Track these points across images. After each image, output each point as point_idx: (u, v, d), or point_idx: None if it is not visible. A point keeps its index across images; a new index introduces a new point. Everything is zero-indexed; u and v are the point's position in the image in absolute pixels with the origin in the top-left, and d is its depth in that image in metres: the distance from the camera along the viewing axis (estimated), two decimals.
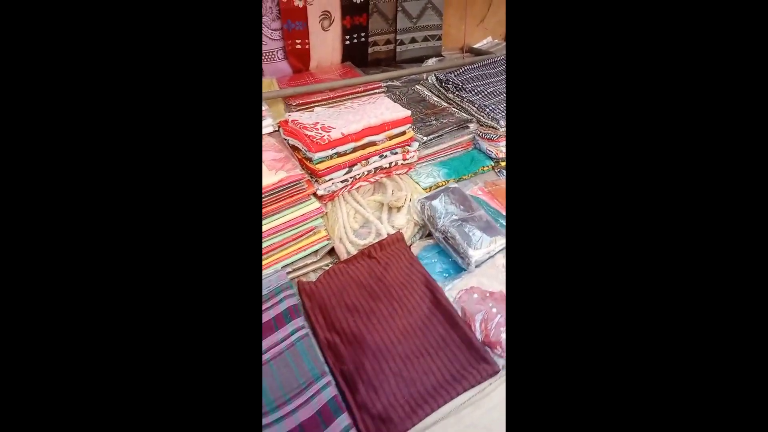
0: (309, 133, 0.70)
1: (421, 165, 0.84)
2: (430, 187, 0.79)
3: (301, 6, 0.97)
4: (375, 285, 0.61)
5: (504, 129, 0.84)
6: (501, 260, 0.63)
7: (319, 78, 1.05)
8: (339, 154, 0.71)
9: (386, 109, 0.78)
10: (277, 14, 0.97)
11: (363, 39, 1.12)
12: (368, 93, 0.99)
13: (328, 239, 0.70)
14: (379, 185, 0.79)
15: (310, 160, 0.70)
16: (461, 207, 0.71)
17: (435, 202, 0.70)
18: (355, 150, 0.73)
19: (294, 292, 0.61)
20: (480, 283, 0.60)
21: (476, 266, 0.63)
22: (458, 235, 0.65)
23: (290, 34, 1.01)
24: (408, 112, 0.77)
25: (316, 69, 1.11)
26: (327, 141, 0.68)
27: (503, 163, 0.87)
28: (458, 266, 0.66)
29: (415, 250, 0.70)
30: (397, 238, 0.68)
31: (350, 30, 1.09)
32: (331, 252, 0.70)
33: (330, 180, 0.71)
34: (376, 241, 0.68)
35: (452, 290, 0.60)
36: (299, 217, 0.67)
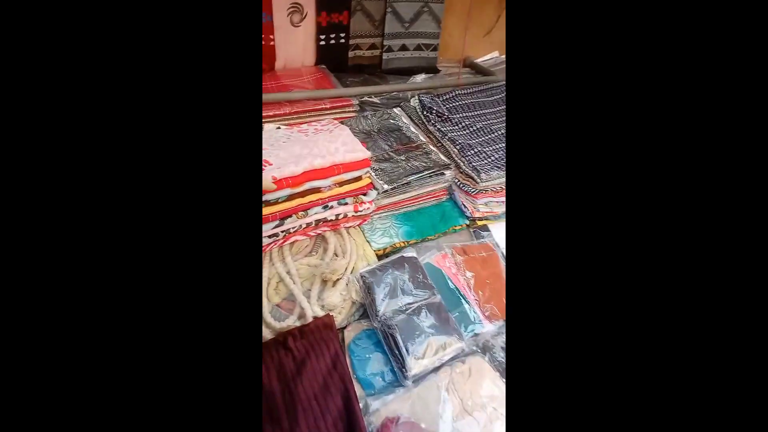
0: None
1: (378, 215, 0.68)
2: (384, 249, 0.64)
3: None
4: (279, 397, 0.47)
5: (484, 183, 0.68)
6: (445, 379, 0.49)
7: (284, 83, 0.88)
8: (267, 203, 0.56)
9: (342, 144, 0.62)
10: None
11: (342, 40, 0.94)
12: (335, 110, 0.83)
13: None
14: (320, 239, 0.63)
15: None
16: (413, 287, 0.56)
17: (377, 283, 0.55)
18: (291, 197, 0.58)
19: None
20: (413, 412, 0.46)
21: (413, 381, 0.49)
22: (399, 334, 0.51)
23: None
24: (368, 154, 0.61)
25: (282, 70, 0.93)
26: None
27: (480, 223, 0.71)
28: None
29: (351, 334, 0.56)
30: (324, 324, 0.53)
31: (326, 28, 0.91)
32: None
33: None
34: (298, 324, 0.54)
35: (377, 415, 0.46)
36: None
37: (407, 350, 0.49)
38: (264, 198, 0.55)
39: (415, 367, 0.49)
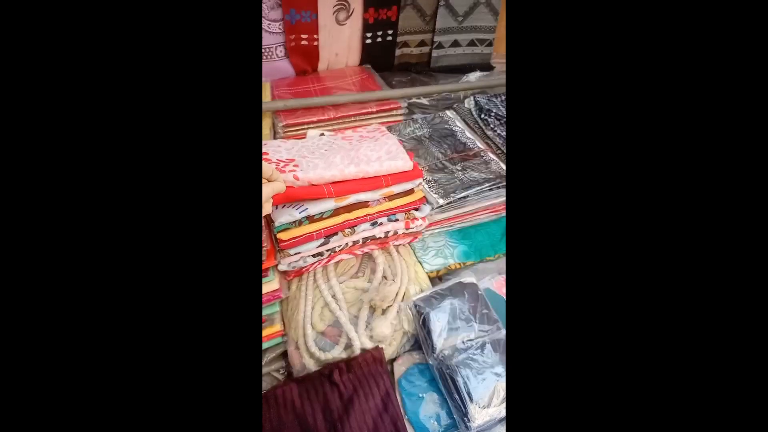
0: None
1: (430, 232, 0.62)
2: (438, 271, 0.58)
3: None
4: None
5: None
6: None
7: (327, 86, 0.83)
8: (311, 218, 0.51)
9: (386, 153, 0.55)
10: (278, 1, 0.75)
11: (389, 38, 0.88)
12: (382, 114, 0.77)
13: (282, 335, 0.51)
14: (367, 258, 0.58)
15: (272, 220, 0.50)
16: (474, 319, 0.49)
17: (435, 313, 0.49)
18: (336, 212, 0.53)
19: None
20: None
21: None
22: (460, 377, 0.44)
23: (294, 27, 0.79)
24: (410, 165, 0.54)
25: (326, 71, 0.89)
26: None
27: None
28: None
29: (401, 368, 0.50)
30: (374, 358, 0.48)
31: (373, 26, 0.85)
32: (285, 354, 0.51)
33: (297, 253, 0.52)
34: (344, 357, 0.48)
35: None
36: None
37: (470, 397, 0.43)
38: (305, 210, 0.50)
39: (479, 416, 0.42)
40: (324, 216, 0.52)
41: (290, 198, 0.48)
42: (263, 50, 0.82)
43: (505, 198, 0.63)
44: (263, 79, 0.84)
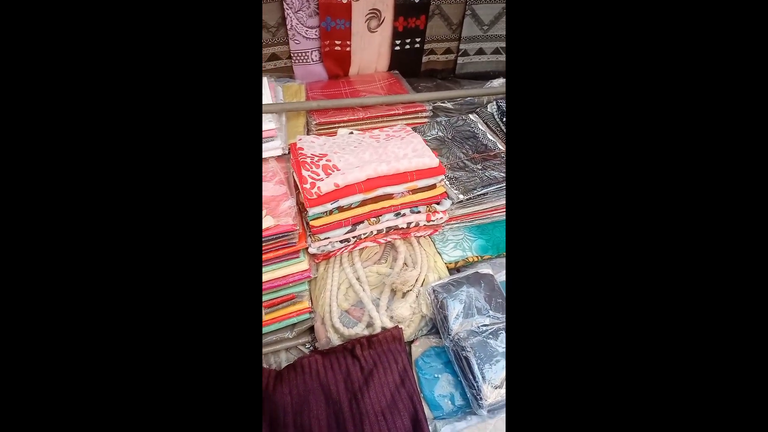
0: (306, 173, 0.55)
1: (450, 227, 0.65)
2: (456, 263, 0.61)
3: (345, 1, 0.81)
4: (347, 405, 0.46)
5: None
6: None
7: (357, 88, 0.89)
8: (341, 209, 0.56)
9: (413, 151, 0.60)
10: (315, 9, 0.82)
11: (417, 45, 0.93)
12: (408, 116, 0.81)
13: (310, 312, 0.56)
14: (389, 247, 0.62)
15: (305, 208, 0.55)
16: (490, 307, 0.52)
17: (452, 298, 0.52)
18: (363, 203, 0.57)
19: None
20: None
21: (488, 411, 0.45)
22: (474, 357, 0.47)
23: (329, 34, 0.85)
24: (436, 162, 0.58)
25: (356, 76, 0.95)
26: (321, 194, 0.53)
27: None
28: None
29: (418, 350, 0.53)
30: (393, 336, 0.51)
31: (402, 33, 0.90)
32: (312, 329, 0.56)
33: (326, 238, 0.56)
34: (366, 333, 0.52)
35: None
36: (280, 278, 0.54)
37: (483, 376, 0.45)
38: (337, 203, 0.55)
39: (491, 396, 0.44)
40: (352, 206, 0.56)
41: (328, 200, 0.53)
42: (299, 54, 0.88)
43: None
44: (299, 81, 0.90)
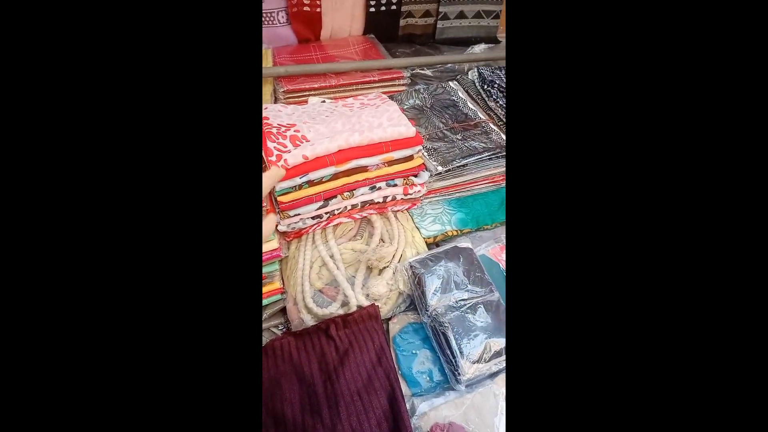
0: (272, 144, 0.50)
1: (429, 200, 0.62)
2: (435, 238, 0.59)
3: None
4: (321, 387, 0.44)
5: None
6: (503, 387, 0.43)
7: (329, 54, 0.82)
8: (312, 183, 0.52)
9: (388, 120, 0.56)
10: None
11: (393, 7, 0.86)
12: (384, 83, 0.76)
13: (282, 293, 0.53)
14: (365, 223, 0.59)
15: None
16: (469, 282, 0.51)
17: (429, 273, 0.50)
18: (336, 176, 0.53)
19: None
20: (466, 421, 0.41)
21: (466, 386, 0.44)
22: (451, 332, 0.45)
23: None
24: (413, 131, 0.54)
25: (328, 40, 0.88)
26: (289, 167, 0.48)
27: None
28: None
29: (396, 326, 0.52)
30: (369, 314, 0.49)
31: None
32: (284, 310, 0.53)
33: (297, 215, 0.53)
34: (341, 313, 0.50)
35: (425, 419, 0.42)
36: None
37: (461, 351, 0.44)
38: (306, 177, 0.51)
39: (469, 371, 0.43)
40: (324, 180, 0.53)
41: (296, 174, 0.49)
42: (264, 15, 0.80)
43: (504, 168, 0.64)
44: (264, 45, 0.83)
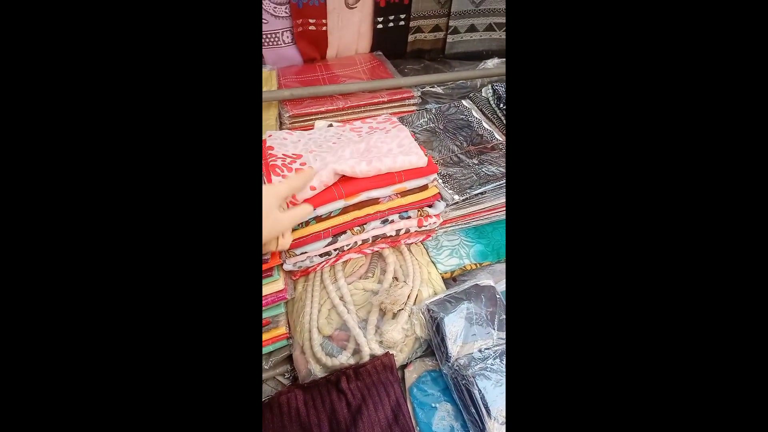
0: (276, 179, 0.47)
1: (444, 230, 0.58)
2: (452, 272, 0.54)
3: None
4: None
5: None
6: None
7: (336, 74, 0.79)
8: (319, 219, 0.48)
9: (398, 146, 0.52)
10: None
11: (402, 23, 0.83)
12: (394, 104, 0.73)
13: (287, 338, 0.49)
14: (377, 258, 0.55)
15: None
16: (492, 326, 0.46)
17: (449, 318, 0.45)
18: (345, 210, 0.49)
19: None
20: None
21: None
22: (476, 389, 0.41)
23: (301, 11, 0.75)
24: (424, 161, 0.50)
25: (335, 59, 0.85)
26: (296, 203, 0.45)
27: None
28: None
29: (412, 375, 0.47)
30: (383, 365, 0.45)
31: (385, 10, 0.80)
32: (291, 357, 0.49)
33: (303, 253, 0.49)
34: (353, 363, 0.46)
35: None
36: None
37: (488, 411, 0.39)
38: (315, 213, 0.47)
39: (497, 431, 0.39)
40: (332, 214, 0.49)
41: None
42: (269, 36, 0.78)
43: None
44: (269, 66, 0.80)
